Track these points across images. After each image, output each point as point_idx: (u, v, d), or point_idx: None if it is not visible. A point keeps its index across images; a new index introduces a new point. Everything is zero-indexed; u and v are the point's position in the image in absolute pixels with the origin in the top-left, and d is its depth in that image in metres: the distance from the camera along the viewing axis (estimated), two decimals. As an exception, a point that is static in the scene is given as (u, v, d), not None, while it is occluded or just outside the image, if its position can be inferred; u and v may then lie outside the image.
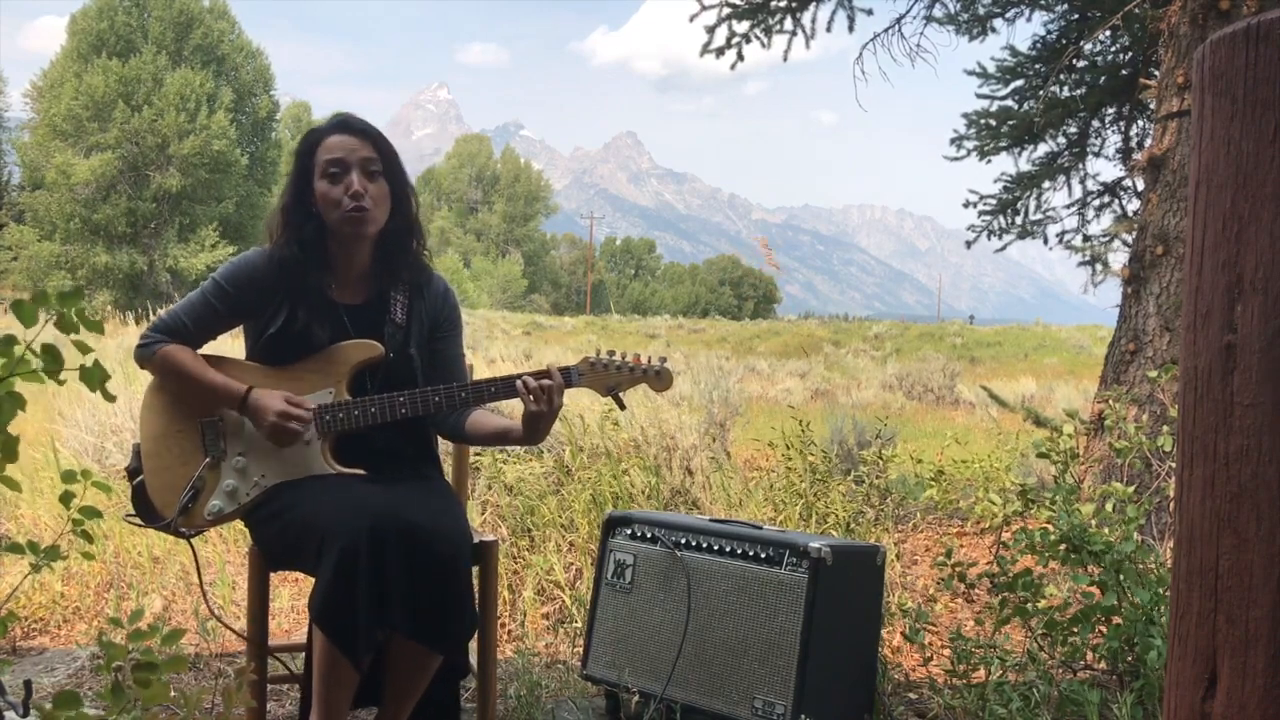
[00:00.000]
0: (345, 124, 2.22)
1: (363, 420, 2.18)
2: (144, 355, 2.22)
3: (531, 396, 2.17)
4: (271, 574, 2.26)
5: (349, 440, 2.23)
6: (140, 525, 2.23)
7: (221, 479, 2.18)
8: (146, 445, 2.21)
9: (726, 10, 5.79)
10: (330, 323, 2.24)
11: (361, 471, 2.19)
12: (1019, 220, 6.87)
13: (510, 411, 4.11)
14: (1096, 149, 6.61)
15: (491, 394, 2.21)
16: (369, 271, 2.30)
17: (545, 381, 2.17)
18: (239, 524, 2.33)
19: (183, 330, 2.23)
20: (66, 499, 1.47)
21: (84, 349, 1.19)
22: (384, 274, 2.30)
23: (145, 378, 2.28)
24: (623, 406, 2.31)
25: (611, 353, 2.26)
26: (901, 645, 3.23)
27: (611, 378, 2.24)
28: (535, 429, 2.22)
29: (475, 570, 2.27)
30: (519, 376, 2.19)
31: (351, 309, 2.27)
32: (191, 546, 2.30)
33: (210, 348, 2.31)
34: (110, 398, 1.24)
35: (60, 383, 1.16)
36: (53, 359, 1.15)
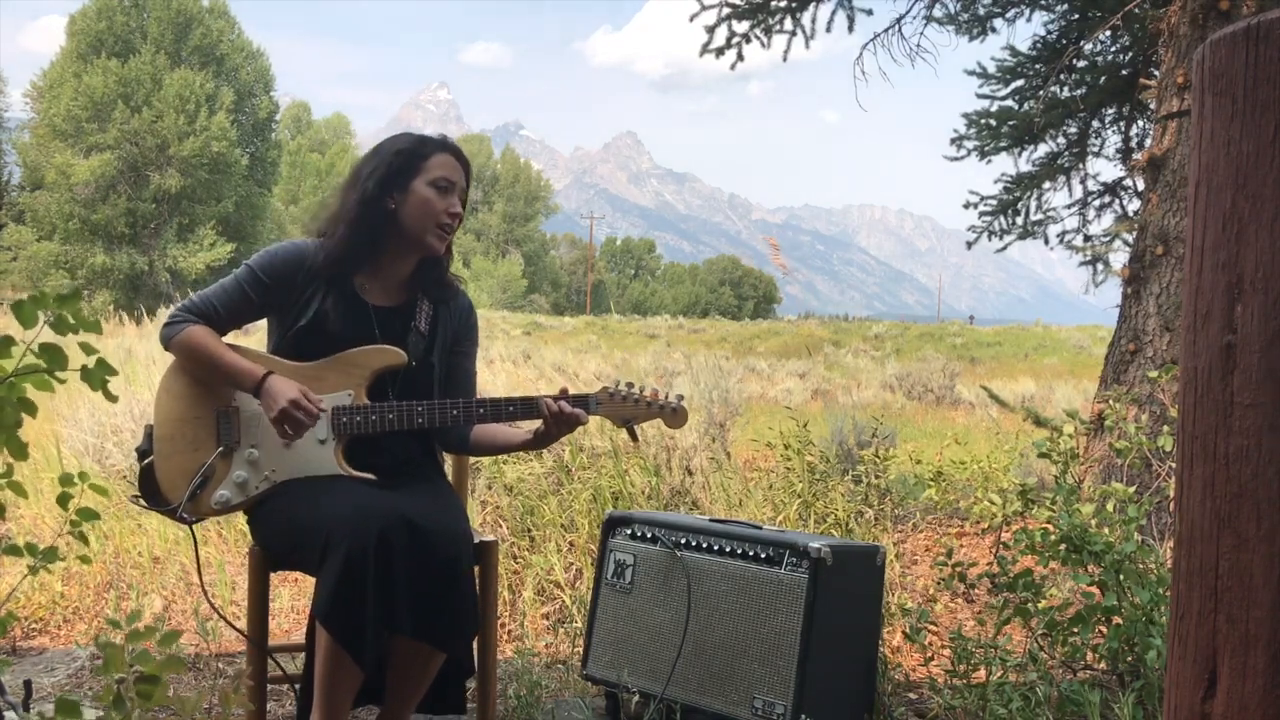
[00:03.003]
0: (458, 150, 2.31)
1: (379, 426, 2.19)
2: (170, 334, 2.21)
3: (554, 420, 2.23)
4: (271, 574, 2.26)
5: (359, 443, 2.24)
6: (144, 508, 2.24)
7: (232, 469, 2.19)
8: (160, 429, 2.21)
9: (726, 10, 5.79)
10: (358, 322, 2.26)
11: (372, 476, 2.19)
12: (1019, 220, 6.85)
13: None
14: (1096, 149, 6.60)
15: (510, 413, 2.24)
16: (405, 279, 2.34)
17: (569, 409, 2.22)
18: (240, 524, 2.34)
19: (212, 314, 2.24)
20: (64, 501, 1.47)
21: (89, 350, 1.19)
22: (418, 284, 2.34)
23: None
24: (636, 439, 2.37)
25: (630, 385, 2.29)
26: (901, 645, 3.23)
27: (628, 410, 2.28)
28: (544, 443, 2.30)
29: (475, 570, 2.27)
30: (541, 398, 2.24)
31: (381, 310, 2.30)
32: (195, 544, 2.29)
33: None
34: (112, 398, 1.24)
35: (61, 381, 1.15)
36: (54, 359, 1.14)
